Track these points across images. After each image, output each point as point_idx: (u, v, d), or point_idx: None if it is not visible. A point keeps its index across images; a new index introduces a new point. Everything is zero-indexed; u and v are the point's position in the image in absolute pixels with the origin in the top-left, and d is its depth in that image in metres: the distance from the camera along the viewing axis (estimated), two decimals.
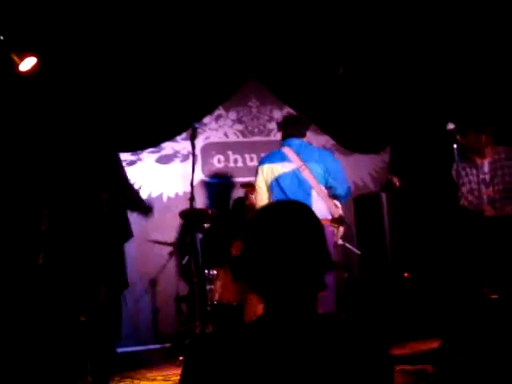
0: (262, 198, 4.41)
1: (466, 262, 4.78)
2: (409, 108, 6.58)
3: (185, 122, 6.10)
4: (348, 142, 6.79)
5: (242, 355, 1.34)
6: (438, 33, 6.16)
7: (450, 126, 4.65)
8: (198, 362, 1.36)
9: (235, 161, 6.59)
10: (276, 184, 4.31)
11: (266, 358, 1.33)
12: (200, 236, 5.46)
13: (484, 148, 4.78)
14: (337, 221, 4.41)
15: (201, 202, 6.21)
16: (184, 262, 5.64)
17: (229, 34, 6.09)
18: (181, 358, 4.77)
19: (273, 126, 6.64)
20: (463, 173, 4.85)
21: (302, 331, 1.38)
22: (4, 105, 4.98)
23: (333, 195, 4.38)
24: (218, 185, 6.49)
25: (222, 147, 6.59)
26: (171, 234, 6.23)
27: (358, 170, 6.83)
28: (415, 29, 6.19)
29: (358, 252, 5.86)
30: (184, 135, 6.36)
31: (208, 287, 5.21)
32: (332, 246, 4.32)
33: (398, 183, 6.24)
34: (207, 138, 6.55)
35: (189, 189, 4.59)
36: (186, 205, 5.25)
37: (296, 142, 4.39)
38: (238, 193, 6.13)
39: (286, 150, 4.36)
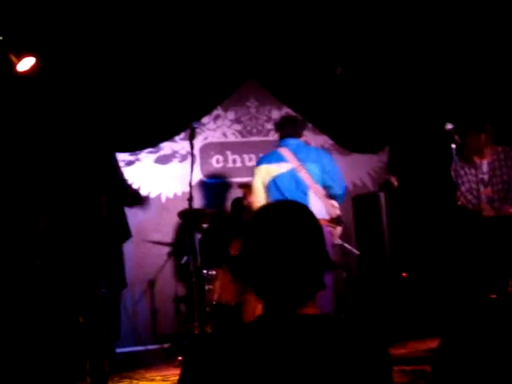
0: (259, 198, 4.40)
1: (464, 261, 4.79)
2: (407, 108, 6.59)
3: (183, 122, 6.09)
4: (346, 141, 6.79)
5: (241, 356, 1.34)
6: (436, 33, 6.17)
7: (449, 125, 4.65)
8: (196, 362, 1.36)
9: (234, 161, 6.59)
10: (273, 184, 4.31)
11: (265, 358, 1.33)
12: (199, 236, 5.46)
13: (483, 148, 4.79)
14: (334, 221, 4.41)
15: (199, 202, 6.21)
16: (183, 262, 5.63)
17: (227, 34, 6.09)
18: (180, 358, 4.77)
19: (271, 126, 6.62)
20: (462, 172, 4.86)
21: (301, 331, 1.38)
22: (1, 105, 4.97)
23: (330, 195, 4.38)
24: (217, 185, 6.48)
25: (220, 147, 6.59)
26: (170, 235, 6.23)
27: (356, 169, 6.84)
28: (413, 29, 6.20)
29: (357, 252, 5.87)
30: (182, 135, 6.36)
31: (207, 287, 5.21)
32: (330, 245, 4.32)
33: (396, 183, 6.25)
34: (206, 138, 6.55)
35: (187, 189, 4.60)
36: (184, 205, 5.25)
37: (293, 142, 4.39)
38: (237, 193, 6.13)
39: (283, 151, 4.36)
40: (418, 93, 6.50)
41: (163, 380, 4.48)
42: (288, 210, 1.49)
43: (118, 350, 5.53)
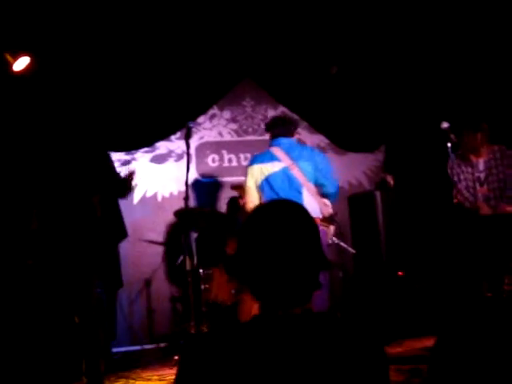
0: (252, 198, 4.38)
1: (460, 260, 4.80)
2: (403, 107, 6.60)
3: (179, 122, 6.08)
4: (342, 140, 6.80)
5: (238, 355, 1.34)
6: (431, 32, 6.17)
7: (444, 124, 4.66)
8: (193, 361, 1.36)
9: (230, 160, 6.59)
10: (266, 183, 4.29)
11: (262, 357, 1.33)
12: (195, 235, 5.45)
13: (480, 147, 4.80)
14: (327, 220, 4.40)
15: (195, 201, 6.21)
16: (179, 261, 5.63)
17: (223, 33, 6.09)
18: (176, 357, 4.77)
19: None
20: (459, 170, 4.86)
21: (297, 330, 1.38)
22: None
23: (322, 194, 4.37)
24: (213, 184, 6.48)
25: (216, 146, 6.59)
26: (166, 234, 6.22)
27: (352, 168, 6.84)
28: (409, 28, 6.20)
29: (353, 251, 5.88)
30: (178, 134, 6.36)
31: (203, 287, 5.21)
32: (325, 245, 4.32)
33: (392, 182, 6.26)
34: (201, 137, 6.54)
35: (183, 188, 4.58)
36: (180, 204, 5.24)
37: (285, 141, 4.38)
38: (233, 192, 6.13)
39: (275, 150, 4.35)
40: (414, 92, 6.51)
41: (159, 379, 4.48)
42: (284, 209, 1.49)
43: (115, 350, 5.53)
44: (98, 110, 5.63)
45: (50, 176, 4.02)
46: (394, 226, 6.02)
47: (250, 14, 5.98)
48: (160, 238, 6.15)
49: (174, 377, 1.40)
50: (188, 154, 4.51)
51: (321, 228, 4.28)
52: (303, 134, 6.65)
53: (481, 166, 4.84)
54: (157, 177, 6.34)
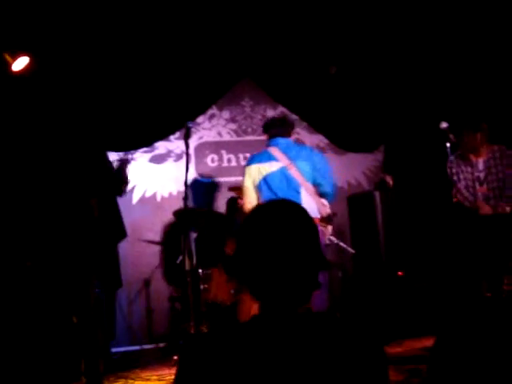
0: (250, 199, 4.37)
1: (459, 260, 4.80)
2: (402, 107, 6.60)
3: (178, 122, 6.08)
4: (342, 141, 6.79)
5: (237, 355, 1.34)
6: (430, 32, 6.17)
7: (443, 124, 4.66)
8: (192, 361, 1.36)
9: (229, 160, 6.58)
10: (264, 183, 4.29)
11: (261, 357, 1.33)
12: (194, 235, 5.45)
13: (479, 147, 4.80)
14: (325, 219, 4.40)
15: (195, 201, 6.21)
16: (178, 261, 5.63)
17: (222, 33, 6.08)
18: (175, 357, 4.76)
19: None
20: (458, 170, 4.86)
21: (297, 330, 1.38)
22: None
23: (319, 193, 4.36)
24: (212, 184, 6.48)
25: (215, 146, 6.59)
26: (165, 234, 6.22)
27: (351, 168, 6.84)
28: (408, 28, 6.20)
29: (352, 251, 5.87)
30: (177, 134, 6.35)
31: (202, 287, 5.21)
32: (323, 245, 4.32)
33: (391, 182, 6.26)
34: (201, 137, 6.54)
35: (182, 188, 4.58)
36: (179, 204, 5.25)
37: (282, 141, 4.37)
38: (232, 192, 6.13)
39: (273, 150, 4.34)
40: (413, 92, 6.51)
41: (159, 379, 4.48)
42: (282, 209, 1.49)
43: (114, 350, 5.53)
44: (96, 110, 5.62)
45: (48, 176, 4.01)
46: (394, 226, 6.02)
47: (249, 13, 5.98)
48: (159, 237, 6.15)
49: (173, 377, 1.40)
50: (187, 154, 4.50)
51: (319, 228, 4.28)
52: (302, 134, 6.66)
53: (480, 166, 4.84)
54: (156, 177, 6.34)
